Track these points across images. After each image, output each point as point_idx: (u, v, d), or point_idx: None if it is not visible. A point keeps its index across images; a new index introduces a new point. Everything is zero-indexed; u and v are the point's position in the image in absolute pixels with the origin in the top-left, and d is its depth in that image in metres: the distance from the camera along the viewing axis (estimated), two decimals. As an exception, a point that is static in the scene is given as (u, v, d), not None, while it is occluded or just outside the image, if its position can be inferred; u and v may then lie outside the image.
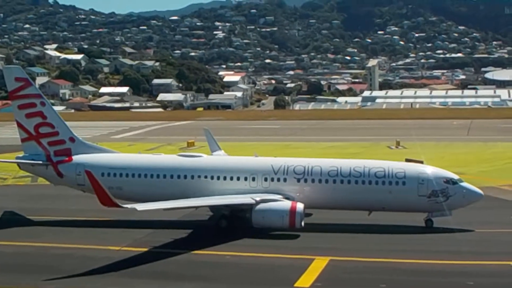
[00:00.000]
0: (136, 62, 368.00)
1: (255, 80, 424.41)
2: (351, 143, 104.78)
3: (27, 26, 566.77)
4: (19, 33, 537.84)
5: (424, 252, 39.04)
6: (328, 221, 46.49)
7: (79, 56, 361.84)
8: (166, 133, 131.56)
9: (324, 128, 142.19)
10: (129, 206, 39.85)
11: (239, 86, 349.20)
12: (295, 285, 32.90)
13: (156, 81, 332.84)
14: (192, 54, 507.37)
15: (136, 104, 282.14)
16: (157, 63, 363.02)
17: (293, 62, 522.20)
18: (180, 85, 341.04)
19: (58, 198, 55.48)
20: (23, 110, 49.92)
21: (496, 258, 37.50)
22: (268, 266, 36.37)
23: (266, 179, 46.22)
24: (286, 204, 43.28)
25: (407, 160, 58.74)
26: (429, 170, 45.86)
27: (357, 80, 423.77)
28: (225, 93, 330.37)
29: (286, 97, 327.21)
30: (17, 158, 51.92)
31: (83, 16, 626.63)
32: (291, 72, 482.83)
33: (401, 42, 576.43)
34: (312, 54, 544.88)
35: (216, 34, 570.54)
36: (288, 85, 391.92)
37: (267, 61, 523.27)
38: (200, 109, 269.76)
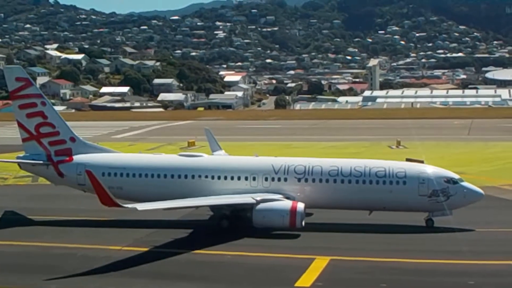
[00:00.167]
0: (137, 62, 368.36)
1: (256, 80, 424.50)
2: (352, 142, 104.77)
3: (28, 26, 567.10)
4: (20, 33, 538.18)
5: (425, 251, 39.03)
6: (329, 221, 46.48)
7: (79, 56, 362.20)
8: (167, 133, 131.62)
9: (325, 127, 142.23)
10: (129, 206, 39.85)
11: (240, 86, 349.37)
12: (296, 284, 32.88)
13: (156, 81, 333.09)
14: (193, 54, 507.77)
15: (137, 104, 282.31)
16: (158, 63, 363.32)
17: (293, 61, 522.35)
18: (181, 85, 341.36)
19: (59, 198, 55.49)
20: (24, 110, 49.93)
21: (497, 257, 37.47)
22: (269, 266, 36.36)
23: (266, 179, 46.20)
24: (287, 203, 43.27)
25: (408, 160, 58.79)
26: (429, 169, 45.86)
27: (357, 79, 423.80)
28: (226, 93, 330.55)
29: (287, 97, 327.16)
30: (18, 158, 51.90)
31: (84, 16, 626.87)
32: (292, 72, 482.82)
33: (402, 42, 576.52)
34: (313, 53, 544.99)
35: (216, 34, 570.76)
36: (289, 85, 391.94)
37: (268, 61, 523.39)
38: (201, 109, 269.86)
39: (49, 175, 50.76)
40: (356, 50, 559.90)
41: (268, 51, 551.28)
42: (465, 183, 45.26)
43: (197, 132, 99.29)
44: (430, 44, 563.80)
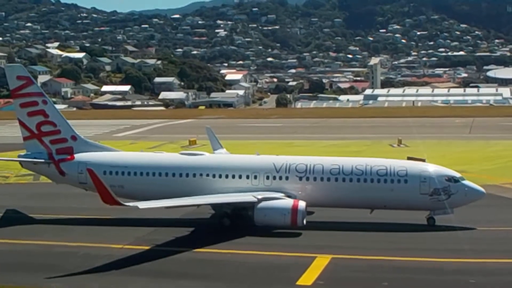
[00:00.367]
0: (138, 60, 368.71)
1: (257, 79, 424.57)
2: (353, 141, 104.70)
3: (29, 24, 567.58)
4: (21, 31, 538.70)
5: (426, 250, 39.03)
6: (330, 219, 46.50)
7: (81, 55, 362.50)
8: (168, 132, 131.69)
9: (326, 126, 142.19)
10: (131, 204, 39.81)
11: (241, 84, 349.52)
12: (297, 283, 32.88)
13: (158, 79, 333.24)
14: (194, 52, 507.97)
15: (138, 103, 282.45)
16: (159, 62, 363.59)
17: (295, 60, 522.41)
18: (182, 83, 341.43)
19: (60, 197, 55.47)
20: (25, 108, 49.93)
21: (498, 256, 37.46)
22: (270, 264, 36.35)
23: (268, 177, 46.16)
24: (288, 202, 43.28)
25: (409, 158, 58.91)
26: (431, 168, 45.84)
27: (359, 78, 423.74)
28: (227, 91, 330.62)
29: (288, 96, 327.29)
30: (19, 156, 51.85)
31: (85, 15, 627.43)
32: (293, 71, 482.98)
33: (403, 41, 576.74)
34: (314, 52, 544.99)
35: (218, 33, 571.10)
36: (290, 84, 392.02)
37: (269, 59, 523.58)
38: (202, 107, 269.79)
39: (50, 174, 50.76)
40: (357, 48, 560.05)
41: (269, 50, 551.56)
42: (466, 182, 45.21)
43: (198, 131, 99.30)
44: (431, 43, 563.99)
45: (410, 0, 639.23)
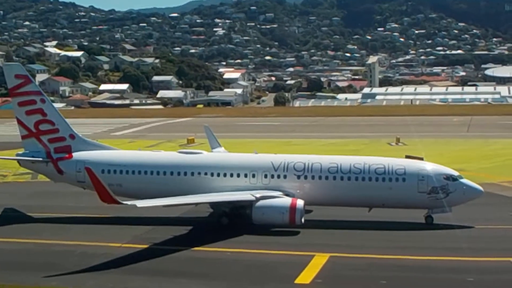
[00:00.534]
0: (136, 59, 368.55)
1: (255, 77, 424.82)
2: (351, 139, 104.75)
3: (27, 23, 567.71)
4: (19, 30, 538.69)
5: (424, 248, 39.09)
6: (328, 218, 46.51)
7: (79, 53, 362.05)
8: (166, 130, 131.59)
9: (324, 125, 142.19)
10: (129, 203, 39.78)
11: (239, 83, 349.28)
12: (296, 281, 32.91)
13: (156, 78, 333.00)
14: (192, 51, 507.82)
15: (136, 101, 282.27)
16: (157, 60, 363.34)
17: (293, 59, 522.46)
18: (180, 82, 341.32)
19: (58, 195, 55.47)
20: (23, 107, 49.89)
21: (496, 254, 37.53)
22: (268, 263, 36.35)
23: (266, 176, 46.18)
24: (286, 200, 43.31)
25: (407, 157, 58.89)
26: (429, 166, 45.91)
27: (357, 77, 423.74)
28: (225, 90, 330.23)
29: (286, 94, 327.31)
30: (17, 155, 51.87)
31: (83, 13, 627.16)
32: (291, 69, 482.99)
33: (401, 39, 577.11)
34: (312, 51, 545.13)
35: (216, 31, 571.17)
36: (288, 82, 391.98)
37: (267, 58, 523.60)
38: (200, 106, 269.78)
39: (48, 172, 50.73)
40: (355, 47, 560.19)
41: (267, 48, 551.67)
42: (464, 180, 45.26)
43: (197, 129, 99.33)
44: (430, 41, 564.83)
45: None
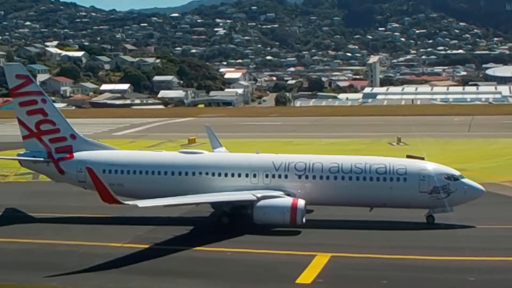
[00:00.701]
0: (137, 59, 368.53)
1: (256, 77, 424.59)
2: (352, 139, 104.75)
3: (28, 23, 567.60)
4: (20, 30, 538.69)
5: (425, 248, 39.06)
6: (329, 218, 46.50)
7: (80, 53, 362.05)
8: (167, 130, 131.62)
9: (325, 124, 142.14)
10: (130, 202, 39.79)
11: (240, 83, 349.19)
12: (297, 281, 32.89)
13: (157, 78, 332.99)
14: (193, 51, 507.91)
15: (137, 101, 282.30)
16: (158, 60, 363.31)
17: (294, 58, 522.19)
18: (181, 82, 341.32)
19: (59, 195, 55.51)
20: (24, 107, 49.90)
21: (497, 254, 37.52)
22: (269, 263, 36.34)
23: (267, 176, 46.18)
24: (287, 200, 43.30)
25: (408, 157, 58.86)
26: (430, 166, 45.91)
27: (358, 76, 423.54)
28: (226, 90, 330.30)
29: (287, 94, 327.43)
30: (19, 155, 51.88)
31: (83, 13, 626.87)
32: (292, 69, 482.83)
33: (402, 39, 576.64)
34: (313, 50, 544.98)
35: (216, 31, 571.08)
36: (289, 82, 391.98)
37: (268, 58, 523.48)
38: (201, 106, 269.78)
39: (49, 172, 50.74)
40: (356, 47, 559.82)
41: (268, 48, 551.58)
42: (465, 180, 45.26)
43: (198, 129, 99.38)
44: (430, 41, 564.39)
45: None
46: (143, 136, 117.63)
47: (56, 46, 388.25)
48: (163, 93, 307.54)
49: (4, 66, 54.66)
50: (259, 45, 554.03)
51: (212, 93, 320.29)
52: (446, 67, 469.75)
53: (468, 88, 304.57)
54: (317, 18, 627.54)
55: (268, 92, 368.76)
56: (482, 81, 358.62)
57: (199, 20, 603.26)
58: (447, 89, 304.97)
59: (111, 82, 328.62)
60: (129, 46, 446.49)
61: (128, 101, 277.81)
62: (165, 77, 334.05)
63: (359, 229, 43.93)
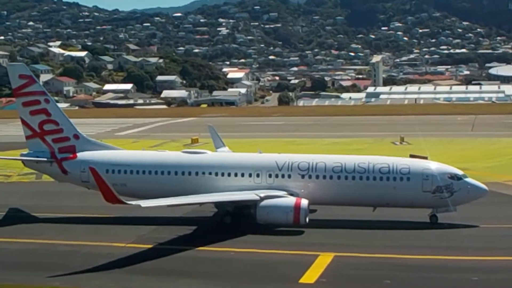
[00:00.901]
0: (140, 59, 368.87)
1: (259, 77, 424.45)
2: (355, 139, 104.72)
3: (30, 23, 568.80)
4: (23, 30, 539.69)
5: (429, 247, 39.00)
6: (333, 217, 46.46)
7: (83, 53, 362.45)
8: (170, 130, 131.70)
9: (328, 124, 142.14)
10: (133, 202, 39.78)
11: (243, 82, 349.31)
12: (300, 281, 32.85)
13: (160, 78, 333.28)
14: (196, 50, 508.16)
15: (140, 101, 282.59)
16: (161, 60, 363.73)
17: (297, 58, 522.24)
18: (184, 81, 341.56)
19: (63, 195, 55.54)
20: (28, 107, 49.91)
21: (501, 253, 37.45)
22: (273, 262, 36.32)
23: (270, 176, 46.15)
24: (291, 200, 43.25)
25: (412, 156, 58.77)
26: (433, 166, 45.82)
27: (361, 76, 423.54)
28: (229, 89, 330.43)
29: (290, 94, 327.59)
30: (22, 155, 51.86)
31: (86, 13, 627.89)
32: (295, 69, 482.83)
33: (405, 38, 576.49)
34: (316, 50, 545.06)
35: (219, 31, 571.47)
36: (292, 82, 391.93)
37: (271, 57, 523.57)
38: (204, 105, 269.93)
39: (53, 172, 50.74)
40: (359, 46, 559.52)
41: (271, 48, 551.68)
42: (469, 179, 45.17)
43: (201, 129, 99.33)
44: (433, 40, 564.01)
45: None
46: (146, 136, 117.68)
47: (59, 46, 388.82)
48: (166, 93, 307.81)
49: (7, 66, 54.72)
50: (262, 45, 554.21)
51: (215, 93, 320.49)
52: (449, 67, 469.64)
53: (471, 88, 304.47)
54: (320, 17, 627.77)
55: (271, 91, 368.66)
56: (485, 80, 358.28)
57: (202, 20, 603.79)
58: (450, 88, 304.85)
59: (114, 82, 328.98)
60: (132, 46, 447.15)
61: (131, 101, 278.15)
62: (168, 77, 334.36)
63: (362, 228, 43.89)
